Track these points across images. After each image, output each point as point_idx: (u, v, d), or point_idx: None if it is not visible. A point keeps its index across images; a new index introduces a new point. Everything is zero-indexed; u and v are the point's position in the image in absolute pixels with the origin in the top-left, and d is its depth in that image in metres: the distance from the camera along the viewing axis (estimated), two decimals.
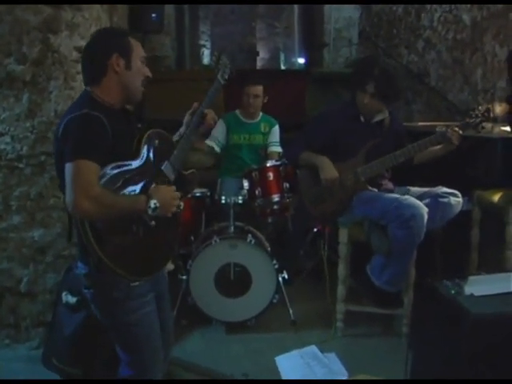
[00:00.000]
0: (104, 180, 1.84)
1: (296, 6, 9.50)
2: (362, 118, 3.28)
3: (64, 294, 2.70)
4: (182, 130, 2.32)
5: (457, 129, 3.05)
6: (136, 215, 1.91)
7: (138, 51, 2.05)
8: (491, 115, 3.16)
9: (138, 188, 1.95)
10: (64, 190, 1.84)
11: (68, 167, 1.81)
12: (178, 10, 7.34)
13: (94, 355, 2.62)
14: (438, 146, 3.17)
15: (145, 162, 2.00)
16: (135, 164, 1.96)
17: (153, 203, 1.89)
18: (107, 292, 1.98)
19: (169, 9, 6.68)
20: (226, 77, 2.41)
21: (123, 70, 1.99)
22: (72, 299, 2.65)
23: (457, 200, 3.07)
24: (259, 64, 11.24)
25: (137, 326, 2.03)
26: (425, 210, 2.92)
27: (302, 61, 9.27)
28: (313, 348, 3.09)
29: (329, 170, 3.20)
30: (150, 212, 1.89)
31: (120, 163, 1.91)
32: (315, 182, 3.24)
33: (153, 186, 1.99)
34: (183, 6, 7.94)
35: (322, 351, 3.07)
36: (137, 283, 1.98)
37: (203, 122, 2.31)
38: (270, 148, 4.18)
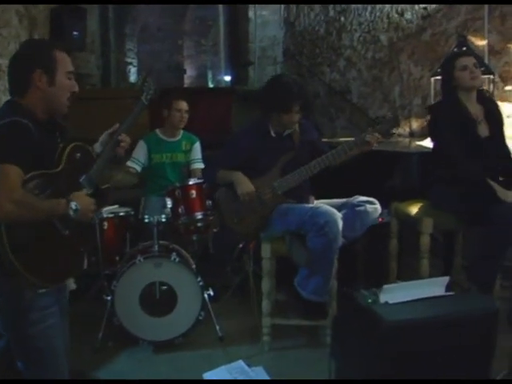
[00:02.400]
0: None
1: (222, 24, 9.60)
2: (272, 133, 3.34)
3: None
4: (97, 148, 2.31)
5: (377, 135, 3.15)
6: (51, 224, 1.93)
7: (64, 66, 2.02)
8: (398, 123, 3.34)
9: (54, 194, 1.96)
10: None
11: None
12: (102, 27, 7.27)
13: None
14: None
15: (63, 172, 2.00)
16: (53, 173, 1.98)
17: (73, 205, 1.92)
18: (12, 301, 1.96)
19: (93, 26, 6.60)
20: (149, 98, 2.42)
21: (46, 87, 1.98)
22: None
23: (373, 207, 3.17)
24: (187, 82, 11.27)
25: (39, 340, 2.00)
26: (338, 216, 3.00)
27: (228, 78, 9.37)
28: (240, 363, 3.10)
29: (244, 184, 3.22)
30: (71, 213, 1.92)
31: (42, 171, 1.92)
32: (234, 199, 3.26)
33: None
34: (108, 23, 7.86)
35: (249, 365, 3.08)
36: (44, 290, 1.96)
37: (118, 146, 2.30)
38: (193, 165, 4.20)
